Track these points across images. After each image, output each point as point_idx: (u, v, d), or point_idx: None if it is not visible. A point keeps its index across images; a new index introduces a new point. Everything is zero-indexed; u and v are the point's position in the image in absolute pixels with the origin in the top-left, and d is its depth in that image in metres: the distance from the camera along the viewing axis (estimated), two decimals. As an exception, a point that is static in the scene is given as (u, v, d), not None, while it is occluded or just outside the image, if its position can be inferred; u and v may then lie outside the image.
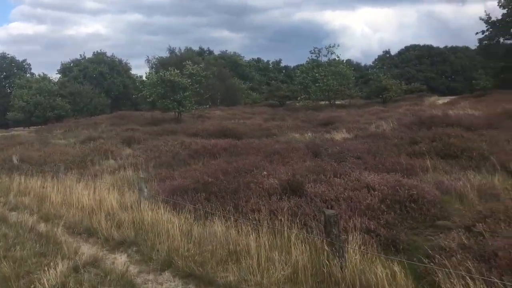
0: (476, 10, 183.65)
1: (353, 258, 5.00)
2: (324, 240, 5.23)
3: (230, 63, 74.21)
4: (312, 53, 53.96)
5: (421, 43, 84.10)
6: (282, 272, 5.16)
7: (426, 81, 67.68)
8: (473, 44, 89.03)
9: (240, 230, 6.31)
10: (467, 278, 4.12)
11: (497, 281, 3.99)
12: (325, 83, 47.91)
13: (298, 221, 6.40)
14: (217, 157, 12.68)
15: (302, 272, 5.05)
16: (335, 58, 52.62)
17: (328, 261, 4.98)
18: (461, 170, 9.53)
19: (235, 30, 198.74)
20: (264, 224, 6.37)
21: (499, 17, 38.54)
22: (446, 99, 43.07)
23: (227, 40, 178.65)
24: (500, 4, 37.75)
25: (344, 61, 57.15)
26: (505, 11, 37.82)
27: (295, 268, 5.16)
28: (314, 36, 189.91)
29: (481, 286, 4.04)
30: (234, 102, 57.70)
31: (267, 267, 5.27)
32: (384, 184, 7.34)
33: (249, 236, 6.05)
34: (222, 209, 7.40)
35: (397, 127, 16.69)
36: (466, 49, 79.02)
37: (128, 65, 70.42)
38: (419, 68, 76.16)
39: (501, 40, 39.82)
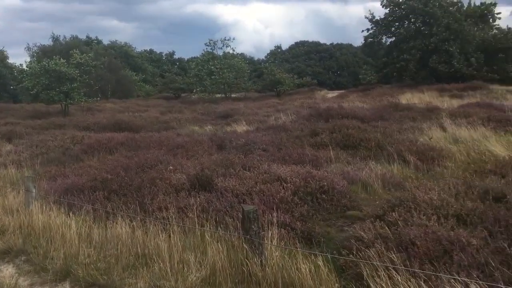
0: (357, 10, 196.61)
1: (274, 254, 4.79)
2: (242, 238, 4.94)
3: (121, 53, 70.81)
4: (207, 45, 53.57)
5: (310, 40, 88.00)
6: (197, 274, 4.80)
7: (314, 75, 70.49)
8: (355, 41, 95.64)
9: (147, 231, 5.83)
10: (391, 269, 4.09)
11: (420, 271, 3.99)
12: (221, 76, 47.85)
13: (210, 218, 6.07)
14: (114, 151, 11.89)
15: (220, 273, 4.73)
16: (229, 52, 52.88)
17: (247, 259, 4.70)
18: (361, 160, 9.87)
19: (125, 19, 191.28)
20: (174, 223, 5.95)
21: (382, 17, 41.51)
22: (335, 93, 45.36)
23: (117, 30, 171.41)
24: (382, 4, 40.64)
25: (239, 55, 57.63)
26: (387, 10, 40.88)
27: (212, 269, 4.83)
28: (207, 29, 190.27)
29: (398, 277, 4.01)
30: (127, 94, 55.21)
31: (181, 269, 4.88)
32: (296, 176, 7.26)
33: (159, 236, 5.60)
34: (126, 208, 6.83)
35: (296, 119, 17.01)
36: (350, 46, 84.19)
37: (5, 53, 63.63)
38: (308, 63, 79.34)
39: (384, 38, 43.03)
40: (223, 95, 49.76)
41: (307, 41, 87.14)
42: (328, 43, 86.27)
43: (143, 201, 6.99)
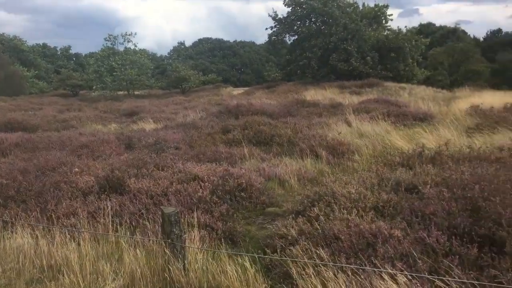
0: (258, 8, 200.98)
1: (197, 257, 4.57)
2: (163, 242, 4.64)
3: (10, 47, 65.41)
4: (107, 40, 51.06)
5: (213, 36, 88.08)
6: (113, 285, 4.43)
7: (219, 72, 70.65)
8: (257, 39, 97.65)
9: (53, 240, 5.30)
10: (319, 264, 4.06)
11: (347, 265, 4.00)
12: (123, 72, 45.96)
13: (125, 222, 5.67)
14: (8, 154, 10.80)
15: (140, 281, 4.41)
16: (131, 47, 50.99)
17: (169, 265, 4.42)
18: (275, 156, 9.91)
19: (13, 10, 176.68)
20: (83, 230, 5.47)
21: (285, 15, 42.46)
22: (240, 90, 45.68)
23: (5, 22, 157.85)
24: (285, 3, 41.55)
25: (141, 51, 55.65)
26: (289, 9, 41.89)
27: (131, 277, 4.49)
28: (106, 24, 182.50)
29: (328, 272, 3.99)
30: (17, 91, 50.81)
31: (95, 280, 4.48)
32: (213, 174, 7.06)
33: (67, 246, 5.13)
34: (26, 216, 6.19)
35: (206, 117, 16.76)
36: (252, 44, 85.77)
37: None
38: (212, 60, 79.41)
39: (287, 36, 44.04)
40: (125, 93, 47.85)
41: (211, 38, 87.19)
42: (231, 40, 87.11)
43: (46, 207, 6.39)
